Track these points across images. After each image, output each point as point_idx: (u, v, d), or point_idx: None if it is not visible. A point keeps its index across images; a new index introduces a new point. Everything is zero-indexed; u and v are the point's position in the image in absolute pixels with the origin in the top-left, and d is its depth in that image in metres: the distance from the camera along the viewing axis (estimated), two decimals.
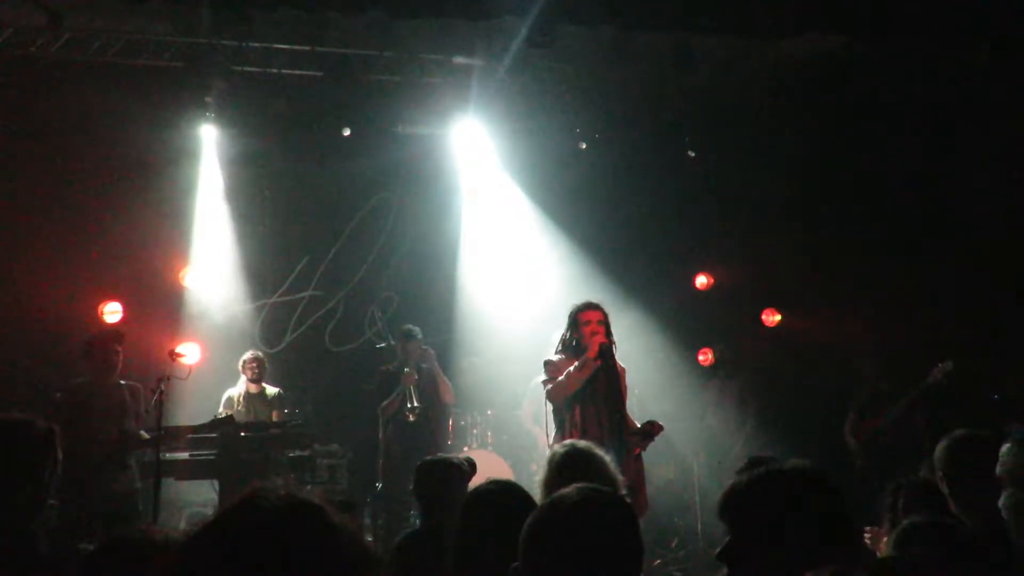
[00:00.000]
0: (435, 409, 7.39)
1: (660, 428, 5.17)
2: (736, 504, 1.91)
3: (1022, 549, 1.78)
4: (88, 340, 6.36)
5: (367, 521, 7.28)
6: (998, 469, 1.81)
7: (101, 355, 6.20)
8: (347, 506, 6.66)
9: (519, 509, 2.63)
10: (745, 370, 8.41)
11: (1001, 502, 1.80)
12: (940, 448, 3.01)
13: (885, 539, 3.04)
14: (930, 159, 7.97)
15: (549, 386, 5.25)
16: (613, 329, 5.34)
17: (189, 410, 7.22)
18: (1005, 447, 1.82)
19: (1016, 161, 7.45)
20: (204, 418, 6.89)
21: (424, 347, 7.36)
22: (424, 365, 7.29)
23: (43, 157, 7.81)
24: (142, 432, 6.07)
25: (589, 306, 5.33)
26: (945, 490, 2.88)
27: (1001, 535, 1.84)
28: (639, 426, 5.25)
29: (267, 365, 7.42)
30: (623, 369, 5.38)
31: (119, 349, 6.27)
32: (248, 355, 7.39)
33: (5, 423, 2.52)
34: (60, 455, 2.52)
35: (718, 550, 1.94)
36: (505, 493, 2.71)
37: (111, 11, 7.21)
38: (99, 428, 5.95)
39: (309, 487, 1.12)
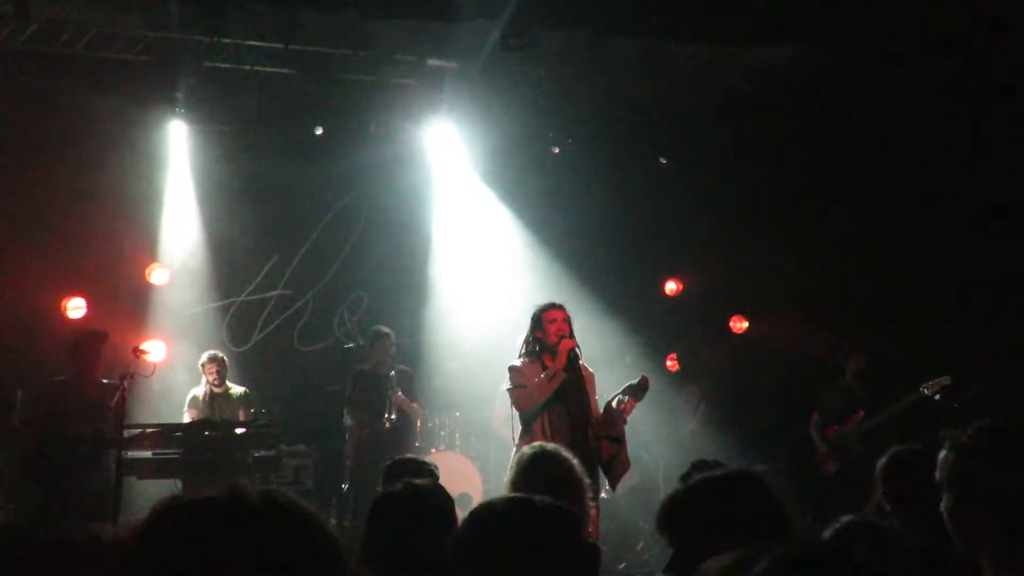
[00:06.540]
0: (402, 414, 7.40)
1: (647, 381, 5.17)
2: (671, 516, 1.93)
3: (963, 554, 1.84)
4: (74, 339, 6.31)
5: (333, 522, 7.23)
6: (937, 475, 1.86)
7: (85, 355, 6.15)
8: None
9: (427, 514, 2.57)
10: (710, 376, 8.45)
11: (942, 506, 1.85)
12: (880, 466, 3.08)
13: None
14: (900, 166, 8.06)
15: (516, 393, 5.22)
16: (579, 333, 5.32)
17: (156, 408, 7.14)
18: (943, 452, 1.88)
19: (984, 166, 7.57)
20: (170, 416, 6.82)
21: (403, 367, 7.42)
22: (391, 372, 7.29)
23: (7, 150, 7.67)
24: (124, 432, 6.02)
25: (553, 306, 5.29)
26: (888, 507, 2.95)
27: (944, 542, 1.90)
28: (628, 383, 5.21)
29: (227, 364, 7.30)
30: (591, 373, 5.36)
31: (102, 349, 6.24)
32: (205, 357, 7.20)
33: None
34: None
35: (665, 566, 1.94)
36: (413, 497, 2.60)
37: (80, 3, 7.11)
38: (75, 427, 5.90)
39: (275, 487, 1.10)
